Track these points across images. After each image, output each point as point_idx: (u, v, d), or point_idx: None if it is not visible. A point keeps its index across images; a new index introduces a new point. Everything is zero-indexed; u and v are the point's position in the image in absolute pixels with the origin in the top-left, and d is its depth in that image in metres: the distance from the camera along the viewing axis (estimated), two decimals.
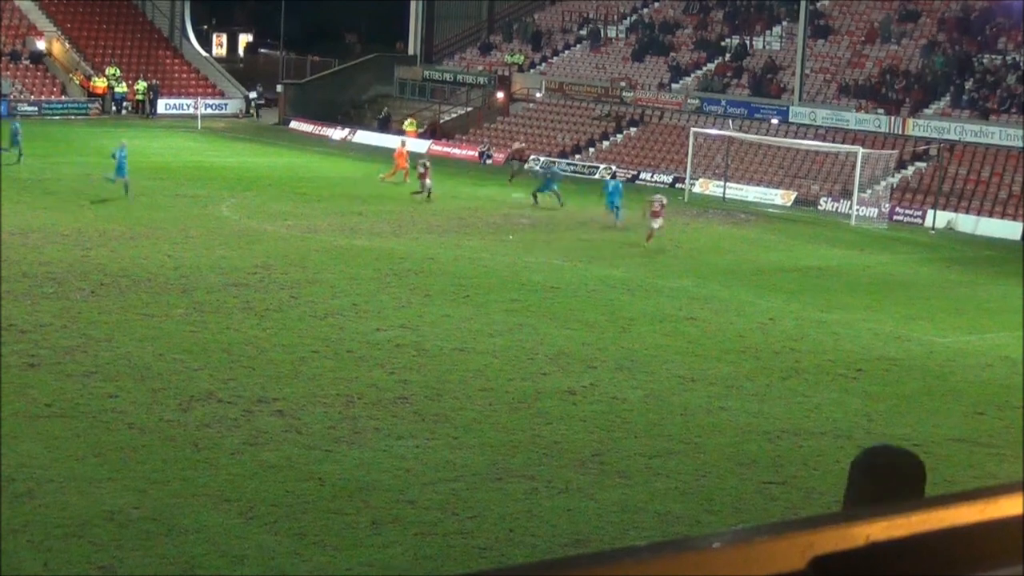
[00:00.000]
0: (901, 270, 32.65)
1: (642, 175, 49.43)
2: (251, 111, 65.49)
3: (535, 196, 39.44)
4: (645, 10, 62.04)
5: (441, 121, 59.67)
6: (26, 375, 17.99)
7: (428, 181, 39.45)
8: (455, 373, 19.41)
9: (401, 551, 12.70)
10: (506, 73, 61.07)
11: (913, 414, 18.77)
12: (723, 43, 57.15)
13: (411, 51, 67.92)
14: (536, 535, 13.25)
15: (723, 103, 52.79)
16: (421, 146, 54.57)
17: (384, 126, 59.72)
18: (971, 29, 51.18)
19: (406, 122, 59.02)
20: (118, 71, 62.47)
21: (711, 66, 55.95)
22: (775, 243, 34.89)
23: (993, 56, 49.49)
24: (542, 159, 52.61)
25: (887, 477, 3.95)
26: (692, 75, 56.34)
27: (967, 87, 48.41)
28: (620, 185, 37.19)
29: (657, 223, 32.44)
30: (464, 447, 16.00)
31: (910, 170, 46.32)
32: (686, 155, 46.73)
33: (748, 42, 56.61)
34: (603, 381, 19.46)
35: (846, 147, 46.05)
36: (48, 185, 37.65)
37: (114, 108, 61.29)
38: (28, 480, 13.97)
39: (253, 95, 65.97)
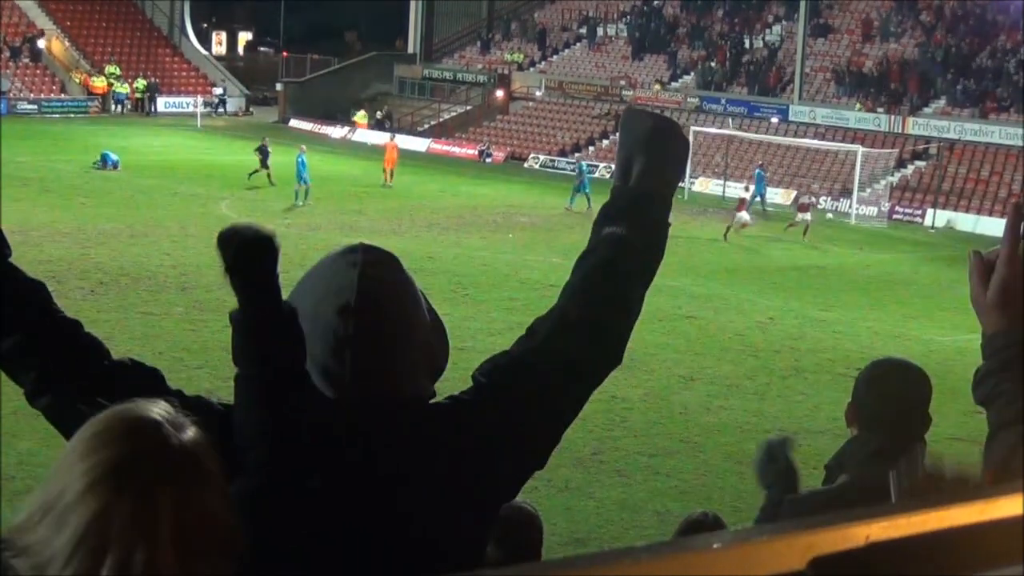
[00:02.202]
0: (901, 269, 32.66)
1: None
2: (218, 109, 63.80)
3: (573, 199, 38.81)
4: (645, 8, 62.05)
5: (443, 120, 59.73)
6: None
7: (741, 214, 35.11)
8: (455, 372, 19.19)
9: None
10: (506, 71, 61.08)
11: None
12: (723, 42, 57.16)
13: (411, 49, 67.92)
14: None
15: (723, 102, 52.79)
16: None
17: (384, 125, 59.76)
18: (970, 27, 51.17)
19: (358, 114, 59.75)
20: (118, 69, 62.43)
21: (713, 64, 55.95)
22: (775, 242, 34.90)
23: (994, 54, 49.49)
24: (542, 158, 52.69)
25: (888, 388, 3.92)
26: (691, 73, 56.34)
27: (967, 85, 48.41)
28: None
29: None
30: None
31: (910, 169, 46.34)
32: None
33: (748, 41, 56.61)
34: None
35: (846, 146, 46.05)
36: (47, 183, 37.66)
37: (115, 107, 61.22)
38: (27, 478, 13.96)
39: (219, 91, 64.45)
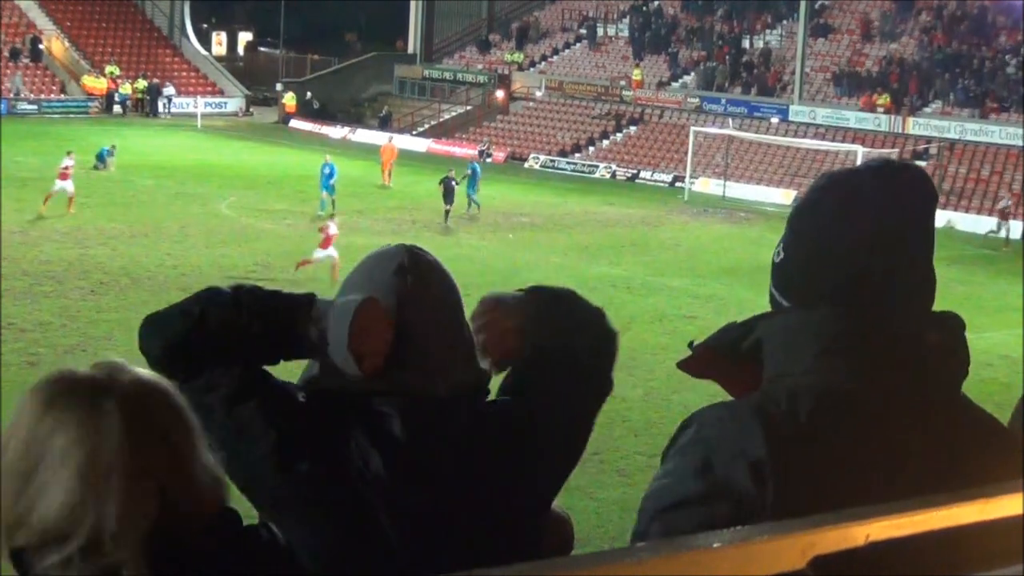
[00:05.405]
0: None
1: (642, 174, 49.43)
2: (168, 108, 61.92)
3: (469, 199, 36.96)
4: (645, 8, 62.05)
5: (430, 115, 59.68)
6: (26, 374, 17.98)
7: None
8: None
9: None
10: (506, 72, 61.08)
11: None
12: (723, 42, 57.17)
13: (411, 50, 67.90)
14: None
15: (723, 102, 52.80)
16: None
17: (384, 125, 59.71)
18: (970, 26, 51.19)
19: (286, 96, 60.52)
20: (117, 69, 62.37)
21: (713, 64, 55.96)
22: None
23: (994, 54, 49.51)
24: (542, 158, 52.66)
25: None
26: (691, 73, 56.36)
27: (967, 85, 48.42)
28: None
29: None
30: None
31: None
32: (686, 154, 46.73)
33: (748, 41, 56.63)
34: None
35: (846, 146, 46.05)
36: (47, 183, 37.60)
37: (119, 109, 61.02)
38: None
39: (171, 91, 62.79)
